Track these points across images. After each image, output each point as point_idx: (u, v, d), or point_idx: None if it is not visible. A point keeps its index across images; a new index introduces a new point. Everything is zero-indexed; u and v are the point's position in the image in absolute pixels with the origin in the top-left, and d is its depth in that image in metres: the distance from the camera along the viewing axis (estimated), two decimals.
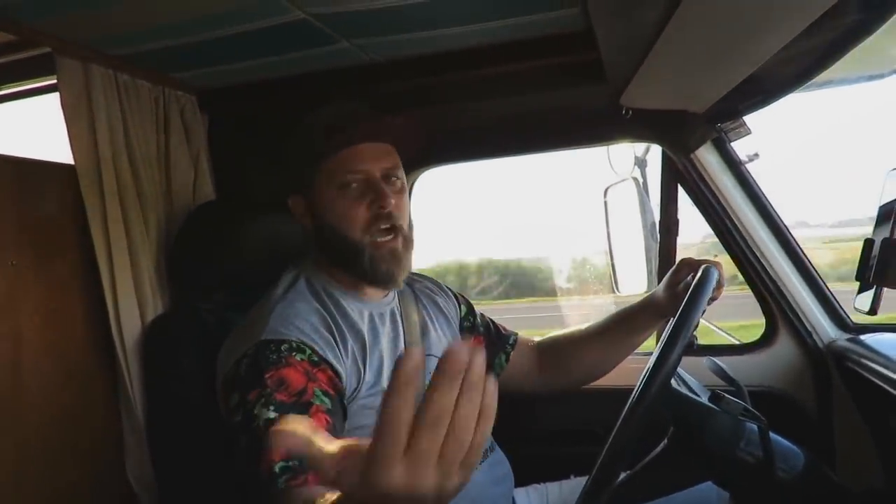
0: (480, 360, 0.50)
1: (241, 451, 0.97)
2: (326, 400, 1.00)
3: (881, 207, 1.06)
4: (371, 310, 1.22)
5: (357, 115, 1.19)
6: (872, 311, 0.98)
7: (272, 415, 0.95)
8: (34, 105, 1.66)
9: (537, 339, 1.54)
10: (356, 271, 1.19)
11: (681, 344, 1.00)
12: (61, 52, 1.25)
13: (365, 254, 1.16)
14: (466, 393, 0.49)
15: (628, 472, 1.11)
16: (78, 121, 1.28)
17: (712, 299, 1.14)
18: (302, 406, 0.97)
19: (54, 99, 1.34)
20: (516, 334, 1.51)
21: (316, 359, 1.05)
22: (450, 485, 0.51)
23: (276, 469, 0.90)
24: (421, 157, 1.75)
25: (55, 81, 1.28)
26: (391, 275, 1.19)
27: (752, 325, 1.72)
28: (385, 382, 1.15)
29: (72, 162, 1.30)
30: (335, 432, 0.98)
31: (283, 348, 1.03)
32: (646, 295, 1.46)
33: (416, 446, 0.49)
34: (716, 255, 1.43)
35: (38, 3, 1.08)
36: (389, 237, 1.18)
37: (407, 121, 1.22)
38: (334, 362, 1.07)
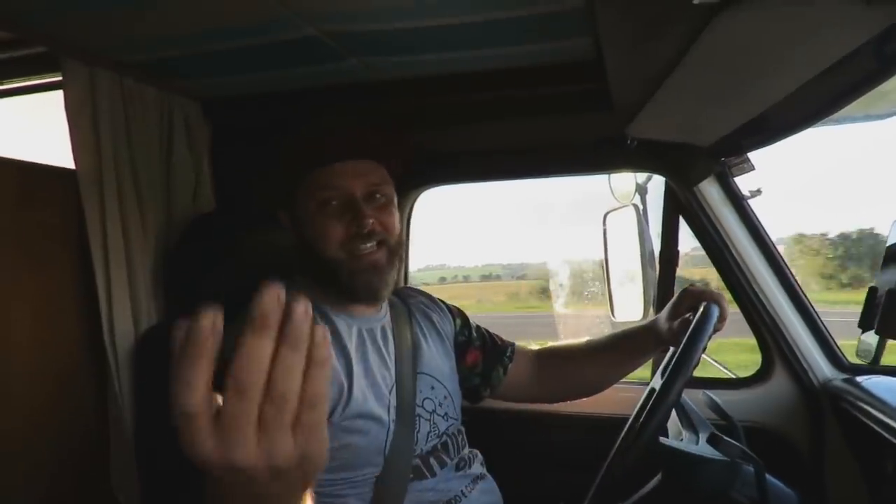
0: (301, 308, 0.44)
1: None
2: None
3: (889, 248, 1.05)
4: (360, 325, 1.21)
5: (337, 132, 1.19)
6: (874, 361, 0.98)
7: None
8: (33, 101, 1.65)
9: (535, 347, 1.53)
10: (336, 287, 1.18)
11: (681, 381, 1.00)
12: (68, 56, 1.24)
13: (343, 268, 1.16)
14: (285, 348, 0.43)
15: None
16: (82, 125, 1.27)
17: (715, 330, 1.14)
18: None
19: (54, 96, 1.33)
20: (513, 345, 1.50)
21: None
22: (281, 453, 0.44)
23: None
24: (423, 175, 1.74)
25: (56, 78, 1.27)
26: (372, 288, 1.18)
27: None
28: (372, 403, 1.13)
29: (71, 165, 1.28)
30: None
31: None
32: (646, 321, 1.46)
33: (223, 414, 0.42)
34: (717, 288, 1.43)
35: (47, 6, 1.07)
36: (370, 249, 1.17)
37: (390, 139, 1.22)
38: None
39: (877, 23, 0.77)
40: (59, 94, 1.28)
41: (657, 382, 1.10)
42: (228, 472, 0.43)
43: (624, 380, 1.47)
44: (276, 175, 1.25)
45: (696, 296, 1.26)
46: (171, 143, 1.48)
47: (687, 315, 1.25)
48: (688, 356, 1.02)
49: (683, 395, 1.06)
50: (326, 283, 1.19)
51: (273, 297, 0.43)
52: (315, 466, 0.47)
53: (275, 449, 0.43)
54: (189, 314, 1.37)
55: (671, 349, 1.24)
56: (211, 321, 0.42)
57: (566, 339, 1.52)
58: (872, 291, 0.98)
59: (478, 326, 1.50)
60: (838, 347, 1.51)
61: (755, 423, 1.52)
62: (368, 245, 1.16)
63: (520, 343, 1.53)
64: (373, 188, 1.19)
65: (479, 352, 1.46)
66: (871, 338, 0.98)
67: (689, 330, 1.08)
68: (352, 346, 1.16)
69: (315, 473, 0.47)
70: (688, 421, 1.12)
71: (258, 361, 0.42)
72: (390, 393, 1.17)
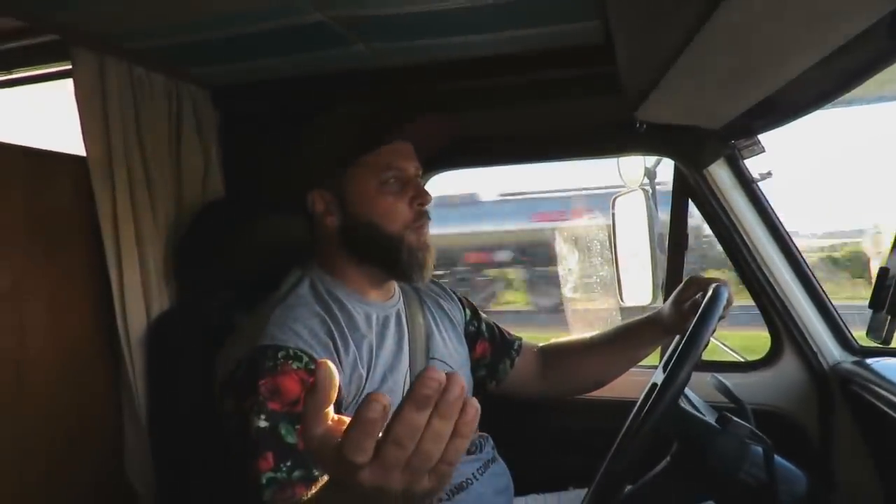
0: (458, 385, 0.52)
1: (234, 457, 0.97)
2: None
3: None
4: (377, 312, 1.21)
5: (403, 113, 1.20)
6: (886, 341, 0.97)
7: (263, 424, 0.95)
8: (45, 90, 1.66)
9: (541, 344, 1.54)
10: (389, 265, 1.19)
11: (690, 363, 0.99)
12: (77, 44, 1.25)
13: (403, 247, 1.17)
14: (440, 415, 0.52)
15: (629, 487, 1.11)
16: (91, 112, 1.28)
17: (720, 318, 1.14)
18: (294, 416, 0.97)
19: (64, 85, 1.34)
20: (520, 339, 1.51)
21: (313, 367, 1.03)
22: (417, 489, 0.55)
23: (264, 480, 0.91)
24: (429, 162, 1.74)
25: (66, 67, 1.28)
26: (425, 266, 1.20)
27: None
28: (387, 387, 1.14)
29: (82, 153, 1.29)
30: None
31: (279, 355, 1.02)
32: (650, 308, 1.46)
33: (382, 457, 0.52)
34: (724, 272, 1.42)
35: None
36: (424, 231, 1.19)
37: (448, 126, 1.24)
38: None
39: (891, 1, 0.76)
40: (69, 83, 1.29)
41: (659, 377, 1.10)
42: (370, 491, 0.54)
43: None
44: (320, 152, 1.23)
45: (702, 282, 1.27)
46: (180, 130, 1.49)
47: (696, 296, 1.25)
48: (698, 336, 1.02)
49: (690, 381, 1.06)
50: (379, 260, 1.19)
51: (435, 382, 0.51)
52: (437, 495, 0.58)
53: (413, 485, 0.54)
54: (199, 300, 1.37)
55: (676, 337, 1.25)
56: (382, 406, 0.51)
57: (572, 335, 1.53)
58: (883, 272, 0.98)
59: (485, 318, 1.50)
60: (849, 330, 1.50)
61: (764, 406, 1.52)
62: (427, 222, 1.19)
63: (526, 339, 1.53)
64: (419, 170, 1.22)
65: (488, 343, 1.46)
66: (882, 318, 0.98)
67: (700, 309, 1.08)
68: (372, 334, 1.17)
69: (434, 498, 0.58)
70: (692, 407, 1.12)
71: (415, 428, 0.52)
72: (404, 378, 1.18)
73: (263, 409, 0.96)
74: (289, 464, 0.92)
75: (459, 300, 1.47)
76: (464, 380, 0.53)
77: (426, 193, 1.18)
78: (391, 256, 1.17)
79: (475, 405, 0.54)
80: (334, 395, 0.55)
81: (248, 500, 0.92)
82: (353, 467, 0.52)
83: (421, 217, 1.18)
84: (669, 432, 1.06)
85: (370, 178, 1.17)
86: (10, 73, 1.59)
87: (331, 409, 0.56)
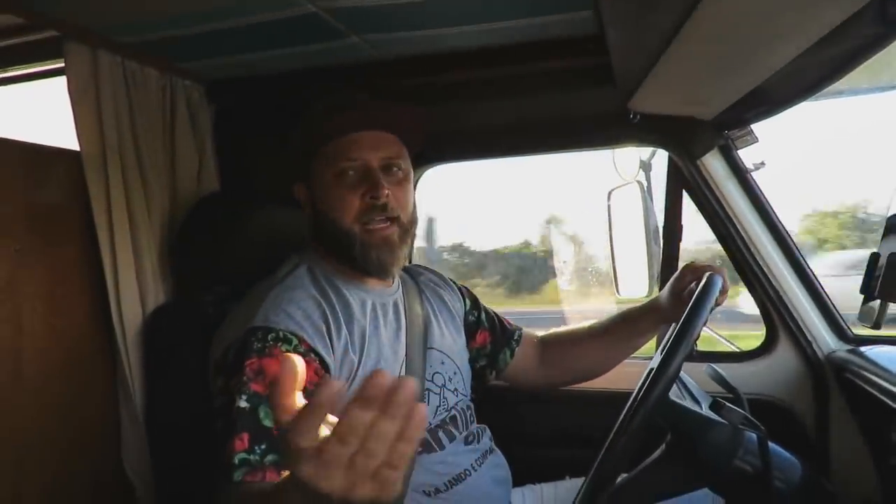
0: (409, 388, 0.52)
1: (217, 436, 0.97)
2: None
3: (889, 219, 1.05)
4: (373, 299, 1.22)
5: (355, 102, 1.20)
6: (876, 325, 0.98)
7: (244, 404, 0.95)
8: (40, 88, 1.66)
9: (540, 333, 1.54)
10: (349, 259, 1.19)
11: (683, 351, 1.00)
12: (70, 38, 1.25)
13: (356, 241, 1.16)
14: (387, 416, 0.52)
15: (625, 475, 1.11)
16: (84, 107, 1.28)
17: (716, 305, 1.14)
18: None
19: (60, 82, 1.34)
20: (521, 329, 1.51)
21: (302, 350, 1.04)
22: (359, 493, 0.54)
23: (235, 460, 0.91)
24: (426, 154, 1.74)
25: (61, 65, 1.28)
26: (382, 263, 1.18)
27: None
28: None
29: (77, 148, 1.29)
30: None
31: (269, 337, 1.03)
32: (647, 299, 1.47)
33: (325, 452, 0.52)
34: (719, 263, 1.43)
35: None
36: (383, 224, 1.17)
37: (408, 111, 1.21)
38: (323, 353, 1.07)
39: None
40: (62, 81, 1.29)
41: (656, 363, 1.10)
42: (314, 490, 0.53)
43: (632, 355, 1.49)
44: (292, 148, 1.25)
45: (697, 269, 1.27)
46: (174, 125, 1.49)
47: (692, 285, 1.25)
48: (691, 324, 1.02)
49: (684, 370, 1.06)
50: (340, 255, 1.19)
51: (381, 384, 0.51)
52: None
53: (354, 488, 0.53)
54: (194, 294, 1.36)
55: (672, 325, 1.25)
56: (332, 392, 0.52)
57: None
58: (874, 257, 0.98)
59: (486, 308, 1.51)
60: (843, 319, 1.51)
61: (760, 395, 1.52)
62: (382, 218, 1.16)
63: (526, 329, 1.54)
64: (389, 161, 1.19)
65: (488, 333, 1.47)
66: (873, 303, 0.98)
67: (692, 299, 1.08)
68: (366, 321, 1.17)
69: None
70: (688, 392, 1.12)
71: (360, 425, 0.51)
72: (401, 367, 1.19)
73: (246, 389, 0.97)
74: (263, 447, 0.93)
75: (459, 290, 1.47)
76: (415, 383, 0.53)
77: (380, 187, 1.14)
78: (347, 252, 1.17)
79: (423, 411, 0.53)
80: (297, 386, 0.55)
81: (218, 479, 0.92)
82: (297, 455, 0.52)
83: (371, 211, 1.15)
84: (662, 424, 1.06)
85: (327, 168, 1.17)
86: (6, 71, 1.59)
87: (298, 398, 0.55)
